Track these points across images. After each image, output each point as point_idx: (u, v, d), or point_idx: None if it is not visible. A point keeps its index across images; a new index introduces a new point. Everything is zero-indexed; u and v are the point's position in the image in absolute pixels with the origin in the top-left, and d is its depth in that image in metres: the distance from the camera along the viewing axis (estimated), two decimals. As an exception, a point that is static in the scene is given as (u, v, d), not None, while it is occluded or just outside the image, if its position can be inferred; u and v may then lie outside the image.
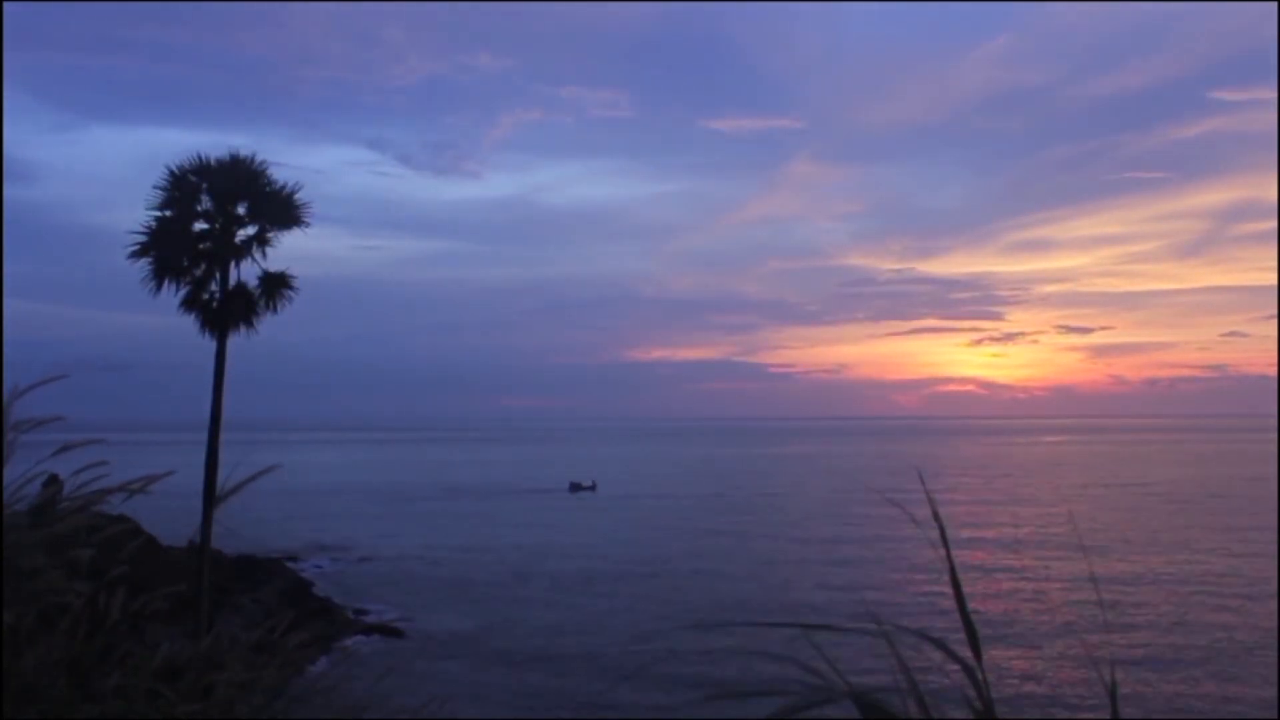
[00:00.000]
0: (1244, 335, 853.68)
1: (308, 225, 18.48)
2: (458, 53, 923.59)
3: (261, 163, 18.26)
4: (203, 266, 17.98)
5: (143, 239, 17.72)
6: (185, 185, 17.92)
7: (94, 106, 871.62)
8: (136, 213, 17.92)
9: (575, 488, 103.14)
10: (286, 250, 18.46)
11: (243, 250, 18.15)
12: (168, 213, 17.88)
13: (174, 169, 17.97)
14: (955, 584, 1.99)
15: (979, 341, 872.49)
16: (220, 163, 18.03)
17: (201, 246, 17.95)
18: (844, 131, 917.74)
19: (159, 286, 17.74)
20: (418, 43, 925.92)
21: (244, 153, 18.26)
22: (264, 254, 18.31)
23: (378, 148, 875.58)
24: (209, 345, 18.01)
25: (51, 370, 4.02)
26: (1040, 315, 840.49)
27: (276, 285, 18.33)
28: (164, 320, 18.63)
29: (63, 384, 4.10)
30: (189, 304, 17.95)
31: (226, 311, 17.91)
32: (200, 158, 18.02)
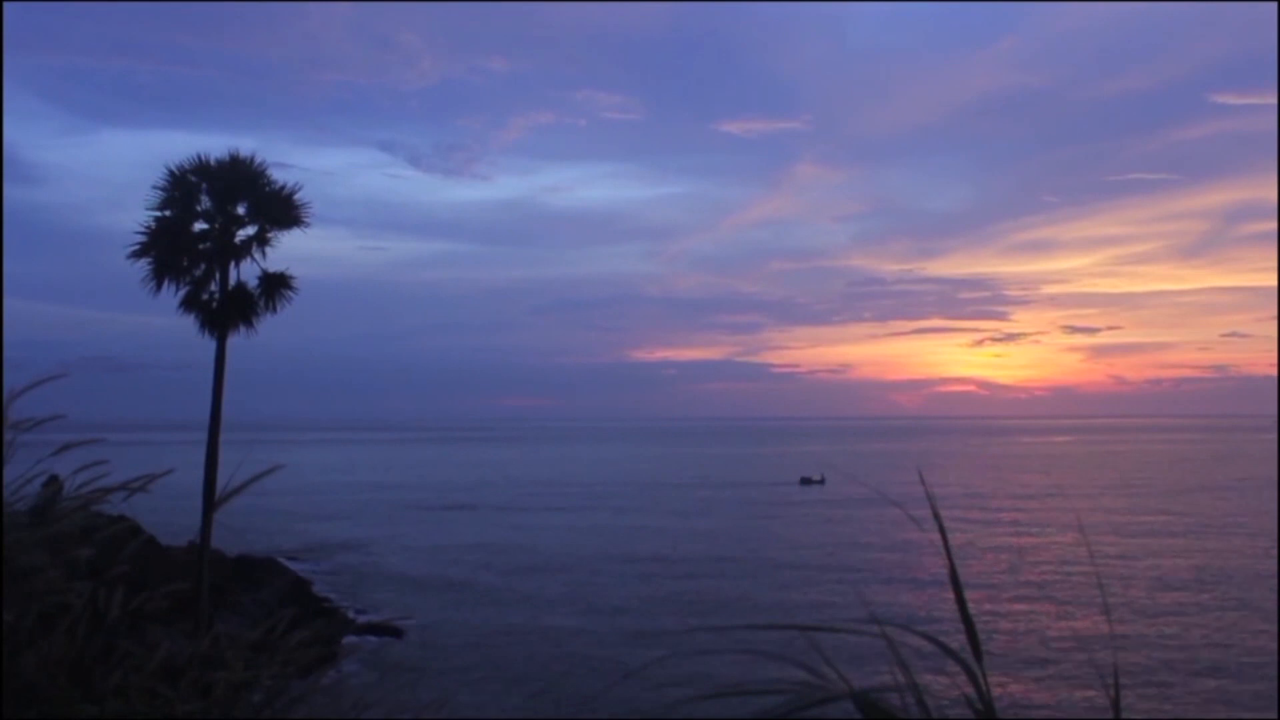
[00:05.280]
0: (1245, 336, 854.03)
1: (308, 225, 18.50)
2: (472, 56, 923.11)
3: (261, 163, 18.27)
4: (202, 266, 17.99)
5: (143, 239, 17.73)
6: (185, 185, 17.93)
7: (104, 110, 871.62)
8: (144, 215, 17.96)
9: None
10: (293, 251, 18.54)
11: (242, 250, 18.16)
12: (167, 213, 17.89)
13: (174, 169, 17.98)
14: (955, 583, 1.99)
15: (980, 342, 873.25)
16: (220, 163, 18.03)
17: (201, 247, 17.95)
18: (848, 133, 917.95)
19: (159, 286, 17.75)
20: (432, 46, 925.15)
21: (244, 153, 18.29)
22: (264, 254, 18.32)
23: (389, 150, 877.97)
24: (211, 345, 18.02)
25: (58, 371, 4.02)
26: (1044, 316, 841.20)
27: (276, 285, 18.34)
28: (168, 320, 18.59)
29: (63, 383, 4.10)
30: (189, 304, 17.96)
31: (226, 311, 17.91)
32: (200, 158, 18.03)
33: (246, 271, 18.31)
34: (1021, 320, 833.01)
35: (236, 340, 18.16)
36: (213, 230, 18.05)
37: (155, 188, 17.87)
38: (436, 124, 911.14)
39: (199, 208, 18.07)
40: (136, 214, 17.79)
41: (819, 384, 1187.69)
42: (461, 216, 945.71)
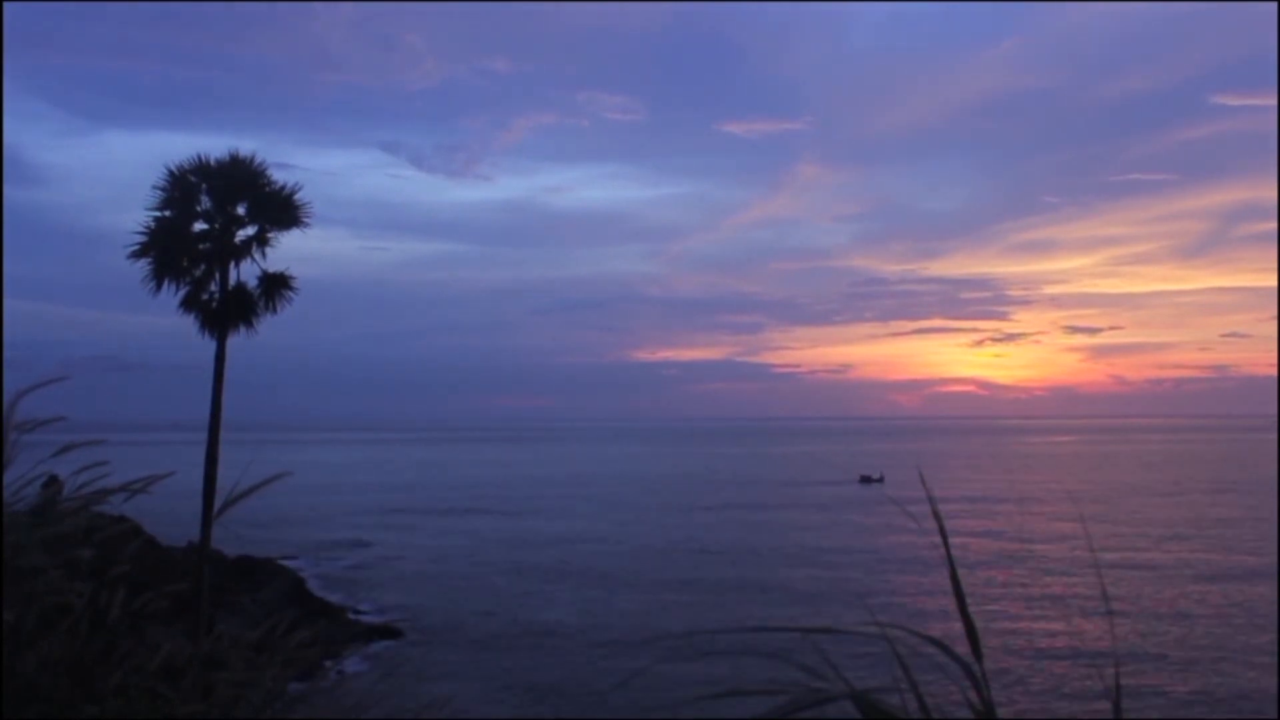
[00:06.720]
0: (1245, 336, 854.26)
1: (308, 226, 18.47)
2: (474, 57, 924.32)
3: (261, 163, 18.24)
4: (202, 267, 17.97)
5: (143, 239, 17.72)
6: (185, 185, 17.90)
7: (105, 111, 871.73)
8: (145, 215, 17.94)
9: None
10: (294, 251, 18.52)
11: (242, 250, 18.14)
12: (167, 213, 17.86)
13: (173, 169, 17.96)
14: (955, 583, 1.99)
15: (980, 342, 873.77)
16: (220, 163, 18.00)
17: (201, 247, 17.93)
18: (849, 134, 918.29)
19: (159, 287, 17.73)
20: (435, 47, 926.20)
21: (244, 153, 18.26)
22: (264, 254, 18.30)
23: (391, 150, 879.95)
24: (211, 345, 18.00)
25: (64, 370, 4.02)
26: (1044, 316, 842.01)
27: (276, 285, 18.31)
28: (168, 320, 18.59)
29: (64, 384, 4.10)
30: (189, 304, 17.94)
31: (226, 312, 17.89)
32: (200, 158, 18.00)
33: (246, 272, 18.30)
34: (1022, 320, 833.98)
35: (237, 340, 18.15)
36: (213, 230, 18.03)
37: (155, 188, 17.85)
38: (439, 125, 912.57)
39: (199, 208, 18.04)
40: (137, 214, 17.76)
41: (820, 384, 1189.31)
42: (463, 217, 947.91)
